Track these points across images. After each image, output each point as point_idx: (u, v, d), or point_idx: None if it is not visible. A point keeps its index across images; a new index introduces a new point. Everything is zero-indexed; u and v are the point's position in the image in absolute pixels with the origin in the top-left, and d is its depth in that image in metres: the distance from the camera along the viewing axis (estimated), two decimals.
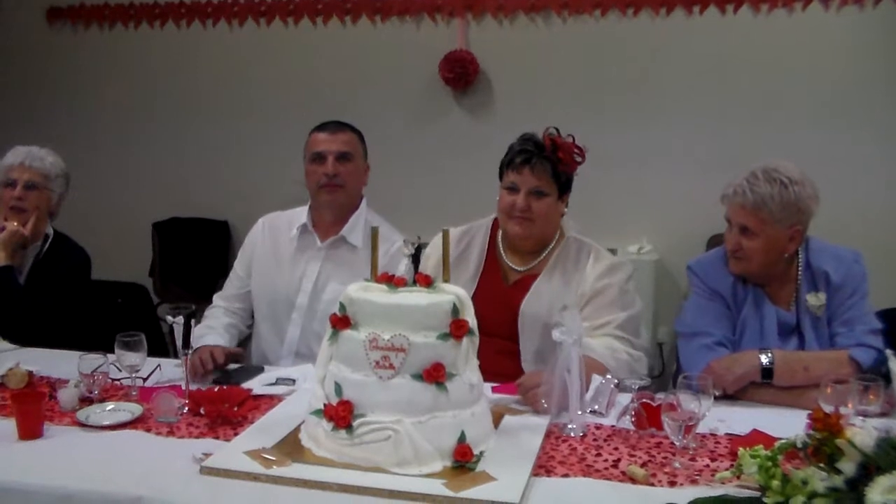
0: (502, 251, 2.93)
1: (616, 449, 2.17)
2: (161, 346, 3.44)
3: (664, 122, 5.04)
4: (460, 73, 5.18)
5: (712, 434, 2.25)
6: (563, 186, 2.83)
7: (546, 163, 2.76)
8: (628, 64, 5.08)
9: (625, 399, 2.40)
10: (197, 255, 5.73)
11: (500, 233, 2.96)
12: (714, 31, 4.94)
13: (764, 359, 2.52)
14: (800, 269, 2.73)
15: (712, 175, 4.93)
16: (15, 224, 3.19)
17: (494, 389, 2.50)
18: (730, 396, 2.52)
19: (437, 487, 1.89)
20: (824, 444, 1.74)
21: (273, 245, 3.20)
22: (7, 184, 3.24)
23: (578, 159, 2.79)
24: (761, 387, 2.53)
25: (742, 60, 4.93)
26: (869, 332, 2.61)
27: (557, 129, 2.79)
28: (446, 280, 2.17)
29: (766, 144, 4.63)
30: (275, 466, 1.99)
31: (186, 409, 2.40)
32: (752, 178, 2.64)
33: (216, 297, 3.25)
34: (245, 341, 3.22)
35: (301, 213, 3.20)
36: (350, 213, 3.14)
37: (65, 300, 3.22)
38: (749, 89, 4.93)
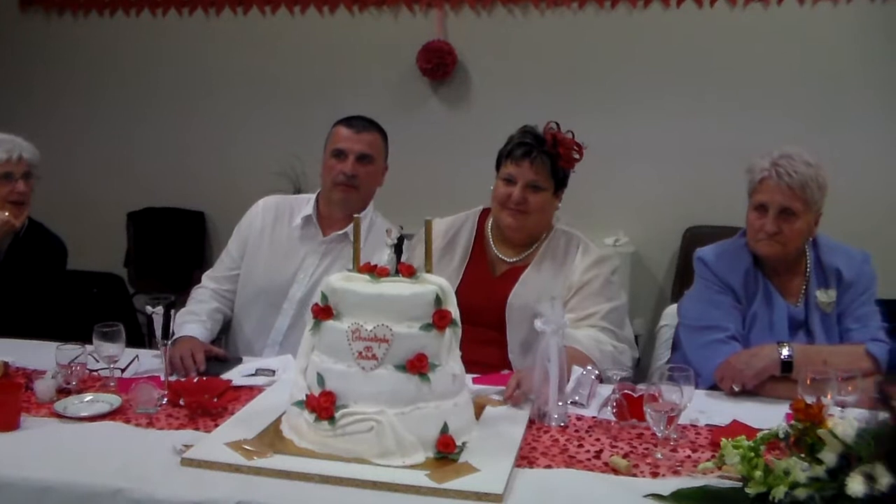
0: (491, 242, 2.94)
1: (598, 440, 2.18)
2: (137, 337, 3.41)
3: (641, 114, 5.05)
4: (438, 64, 5.16)
5: (693, 425, 2.26)
6: (560, 183, 2.83)
7: (546, 157, 2.76)
8: (605, 57, 5.09)
9: (606, 390, 2.42)
10: (172, 246, 5.68)
11: (488, 224, 2.96)
12: (691, 23, 4.95)
13: (784, 352, 2.49)
14: (808, 263, 2.73)
15: (688, 168, 5.03)
16: (6, 214, 3.15)
17: (475, 380, 2.50)
18: (748, 392, 2.51)
19: (421, 478, 1.89)
20: (806, 434, 1.76)
21: (271, 230, 3.15)
22: (3, 178, 3.17)
23: (577, 156, 2.79)
24: (779, 381, 2.49)
25: (718, 54, 4.95)
26: (880, 329, 2.63)
27: (558, 124, 2.79)
28: (429, 270, 2.17)
29: (743, 137, 4.65)
30: (256, 458, 1.98)
31: (166, 399, 2.38)
32: (786, 159, 2.60)
33: (205, 277, 3.20)
34: (230, 322, 3.17)
35: (306, 203, 3.15)
36: (358, 213, 3.10)
37: (40, 289, 3.19)
38: (725, 82, 4.95)
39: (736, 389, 2.51)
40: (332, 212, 3.11)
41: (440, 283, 2.09)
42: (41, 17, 5.82)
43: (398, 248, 2.15)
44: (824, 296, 2.68)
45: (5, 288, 3.11)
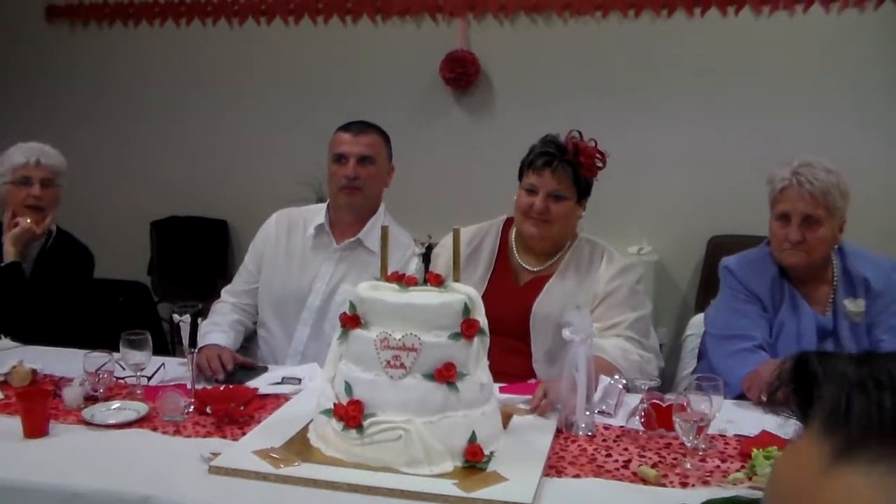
0: (515, 251, 2.93)
1: (626, 449, 2.17)
2: (162, 345, 3.42)
3: (665, 123, 5.03)
4: (461, 74, 5.16)
5: (721, 435, 2.25)
6: (583, 191, 2.82)
7: (567, 167, 2.75)
8: (629, 65, 5.07)
9: (633, 400, 2.41)
10: (195, 255, 5.71)
11: (512, 233, 2.95)
12: (715, 32, 4.93)
13: None
14: (835, 272, 2.70)
15: (712, 176, 5.02)
16: (28, 221, 3.17)
17: (502, 390, 2.49)
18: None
19: (449, 487, 1.88)
20: None
21: (286, 242, 3.17)
22: (21, 182, 3.20)
23: (599, 165, 2.78)
24: None
25: (743, 62, 4.92)
26: None
27: (580, 133, 2.78)
28: (457, 279, 2.17)
29: (767, 145, 4.63)
30: (284, 466, 1.98)
31: (192, 407, 2.39)
32: (807, 167, 2.59)
33: (224, 292, 3.22)
34: (251, 336, 3.19)
35: (318, 212, 3.17)
36: (368, 217, 3.11)
37: (68, 297, 3.21)
38: (750, 91, 4.92)
39: (764, 399, 2.49)
40: (342, 217, 3.12)
41: (468, 293, 2.09)
42: (67, 27, 5.87)
43: (426, 258, 2.15)
44: (853, 305, 2.65)
45: (34, 296, 3.13)
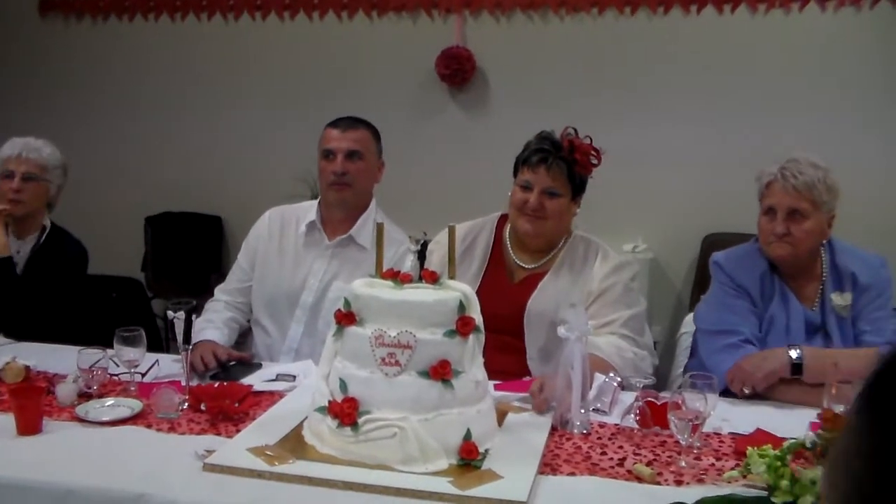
0: (510, 248, 2.92)
1: (621, 447, 2.17)
2: (156, 341, 3.41)
3: (660, 121, 5.03)
4: (457, 70, 5.15)
5: (716, 433, 2.25)
6: (578, 188, 2.82)
7: (562, 163, 2.75)
8: (625, 63, 5.07)
9: (628, 398, 2.41)
10: (190, 251, 5.69)
11: (506, 230, 2.95)
12: (711, 30, 4.93)
13: (793, 353, 2.47)
14: (824, 267, 2.72)
15: (708, 174, 5.02)
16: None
17: (496, 387, 2.49)
18: (756, 395, 2.50)
19: (444, 485, 1.88)
20: (833, 443, 1.74)
21: (279, 239, 3.16)
22: (4, 175, 3.20)
23: (594, 162, 2.78)
24: (790, 384, 2.47)
25: (739, 60, 4.92)
26: (895, 334, 2.61)
27: (575, 130, 2.78)
28: (452, 276, 2.16)
29: (763, 144, 4.62)
30: (278, 463, 1.98)
31: (187, 404, 2.38)
32: (793, 163, 2.62)
33: (218, 290, 3.21)
34: (245, 334, 3.19)
35: (310, 209, 3.16)
36: (359, 213, 3.10)
37: (61, 293, 3.19)
38: (745, 89, 4.92)
39: (746, 392, 2.50)
40: (333, 214, 3.12)
41: (464, 290, 2.08)
42: (60, 21, 5.85)
43: (421, 255, 2.15)
44: (840, 299, 2.67)
45: (27, 292, 3.12)
